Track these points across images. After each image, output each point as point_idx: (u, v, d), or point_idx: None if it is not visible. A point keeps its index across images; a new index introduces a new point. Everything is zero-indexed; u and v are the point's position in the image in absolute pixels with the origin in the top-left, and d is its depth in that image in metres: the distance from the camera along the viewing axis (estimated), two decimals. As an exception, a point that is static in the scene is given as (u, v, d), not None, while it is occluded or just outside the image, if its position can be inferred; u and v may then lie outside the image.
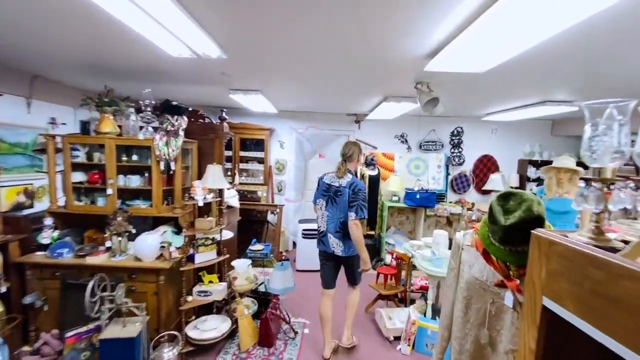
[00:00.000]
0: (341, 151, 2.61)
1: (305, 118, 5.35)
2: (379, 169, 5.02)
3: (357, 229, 2.44)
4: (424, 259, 3.08)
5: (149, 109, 2.89)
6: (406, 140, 5.44)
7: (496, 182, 5.23)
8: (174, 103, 2.93)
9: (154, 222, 3.15)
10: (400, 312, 3.30)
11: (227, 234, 3.16)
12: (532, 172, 5.27)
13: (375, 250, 5.02)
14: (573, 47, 1.95)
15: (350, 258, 2.60)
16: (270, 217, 5.19)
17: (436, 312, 2.97)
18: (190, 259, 2.75)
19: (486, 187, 5.34)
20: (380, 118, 5.08)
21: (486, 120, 5.33)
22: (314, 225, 4.53)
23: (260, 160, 5.20)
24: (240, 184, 5.13)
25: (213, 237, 2.87)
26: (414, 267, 3.27)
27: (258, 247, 3.68)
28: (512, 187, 5.42)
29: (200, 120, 3.41)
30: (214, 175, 2.99)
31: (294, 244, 5.40)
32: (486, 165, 5.48)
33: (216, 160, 3.28)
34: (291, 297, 3.65)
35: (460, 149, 5.47)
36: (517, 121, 5.28)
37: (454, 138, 5.45)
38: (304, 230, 4.56)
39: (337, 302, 2.84)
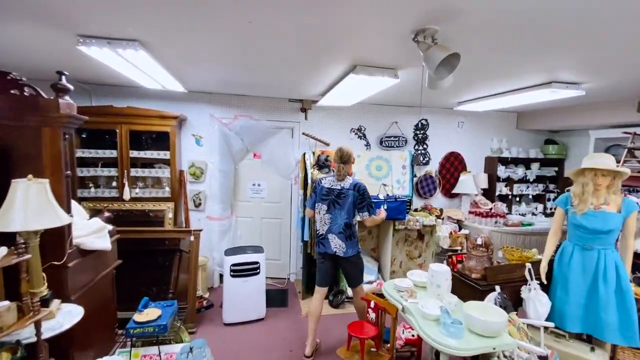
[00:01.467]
0: (336, 155, 2.65)
1: (233, 103, 3.86)
2: (334, 172, 3.81)
3: (372, 221, 2.61)
4: (427, 320, 1.94)
5: None
6: (364, 135, 4.34)
7: (467, 184, 4.47)
8: None
9: None
10: (390, 399, 2.13)
11: (69, 318, 1.59)
12: (501, 171, 4.63)
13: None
14: None
15: (350, 258, 2.61)
16: (188, 242, 3.60)
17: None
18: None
19: (456, 189, 4.56)
20: (334, 105, 3.88)
21: (453, 112, 4.53)
22: (248, 257, 3.14)
23: (165, 163, 3.57)
24: (133, 199, 3.44)
25: (17, 342, 1.30)
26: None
27: (150, 314, 2.14)
28: (482, 189, 4.75)
29: (13, 91, 1.74)
30: (29, 201, 1.42)
31: (221, 277, 3.90)
32: (453, 164, 4.69)
33: (46, 169, 1.68)
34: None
35: (425, 146, 4.58)
36: (484, 113, 4.60)
37: (418, 132, 4.53)
38: (233, 265, 3.11)
39: None
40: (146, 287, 3.50)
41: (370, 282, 3.64)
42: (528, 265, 2.36)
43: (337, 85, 2.72)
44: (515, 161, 4.75)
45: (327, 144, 4.14)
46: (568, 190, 2.38)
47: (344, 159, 2.59)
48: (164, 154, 3.48)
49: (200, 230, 3.18)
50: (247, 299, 3.16)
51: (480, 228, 4.10)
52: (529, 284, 2.35)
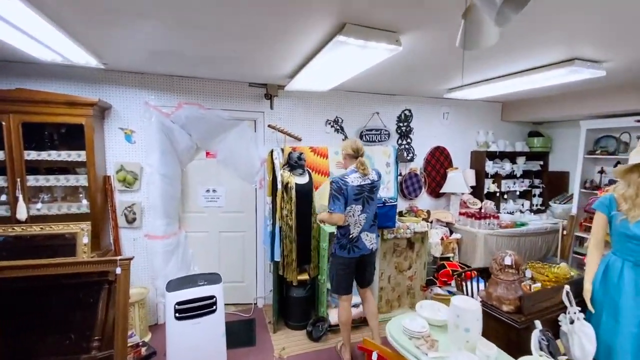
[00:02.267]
0: (350, 150, 2.54)
1: (175, 87, 3.00)
2: (309, 174, 3.12)
3: None
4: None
5: None
6: (342, 128, 3.68)
7: (456, 182, 4.00)
8: None
9: None
10: None
11: None
12: (489, 166, 4.23)
13: (309, 302, 3.13)
14: None
15: (376, 251, 2.66)
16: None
17: None
18: None
19: (445, 188, 4.08)
20: (306, 89, 3.16)
21: (438, 101, 4.04)
22: (199, 291, 2.36)
23: (82, 166, 2.63)
24: (34, 219, 2.47)
25: None
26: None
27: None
28: (471, 187, 4.32)
29: None
30: None
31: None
32: (438, 160, 4.20)
33: None
34: None
35: (409, 140, 4.04)
36: (470, 103, 4.17)
37: (401, 125, 3.97)
38: (179, 304, 2.29)
39: None
40: (61, 334, 2.58)
41: (356, 306, 3.00)
42: (566, 287, 1.85)
43: (317, 56, 2.01)
44: (502, 155, 4.39)
45: (299, 139, 3.42)
46: (607, 191, 1.90)
47: (360, 152, 2.55)
48: (77, 155, 2.54)
49: (131, 259, 2.30)
50: (200, 345, 2.36)
51: (474, 232, 3.64)
52: (569, 312, 1.84)
